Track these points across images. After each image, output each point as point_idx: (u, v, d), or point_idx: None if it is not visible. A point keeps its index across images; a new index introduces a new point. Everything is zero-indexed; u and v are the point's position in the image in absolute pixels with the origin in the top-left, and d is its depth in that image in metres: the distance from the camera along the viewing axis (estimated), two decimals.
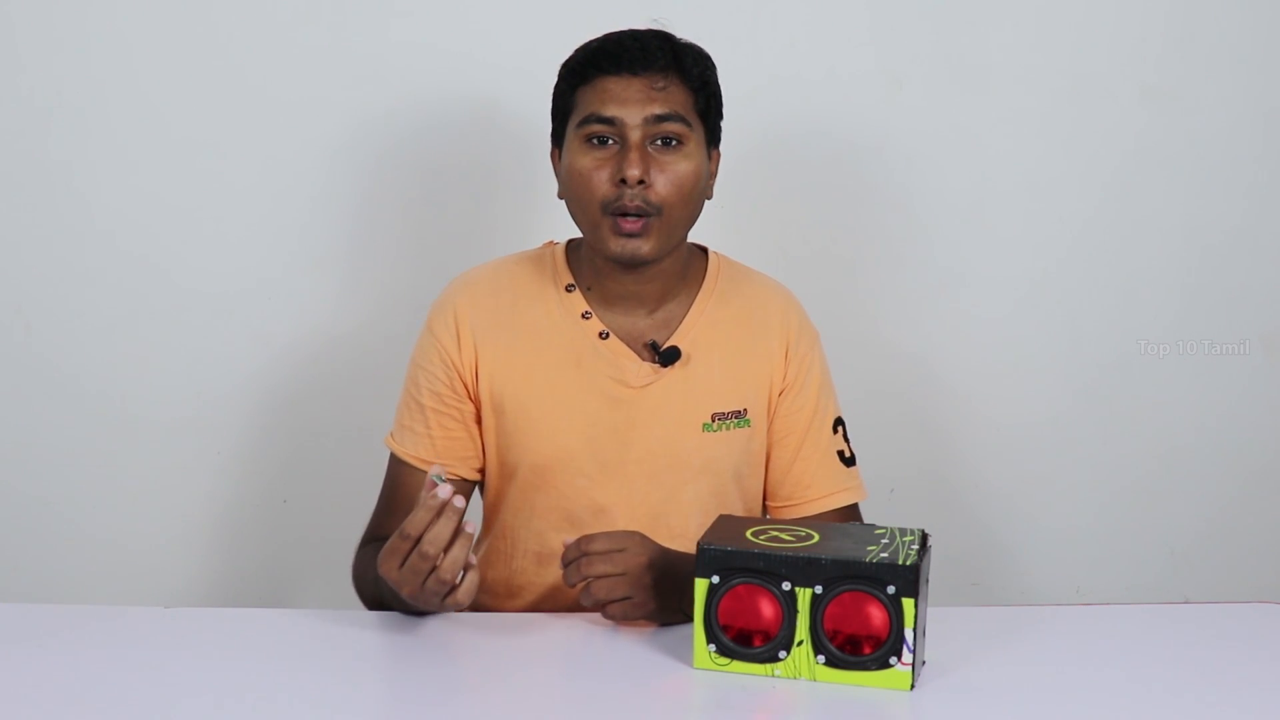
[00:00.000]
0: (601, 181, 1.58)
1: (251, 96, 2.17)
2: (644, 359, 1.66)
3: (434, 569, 1.38)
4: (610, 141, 1.59)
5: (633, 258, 1.59)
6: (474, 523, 1.42)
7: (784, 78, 2.23)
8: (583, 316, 1.67)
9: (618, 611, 1.47)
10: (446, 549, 1.38)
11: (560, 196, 1.66)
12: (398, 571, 1.40)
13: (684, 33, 1.66)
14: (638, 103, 1.58)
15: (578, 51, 1.64)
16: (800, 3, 2.22)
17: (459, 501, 1.38)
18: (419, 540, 1.38)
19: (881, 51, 2.24)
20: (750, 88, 2.18)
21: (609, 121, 1.58)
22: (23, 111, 2.16)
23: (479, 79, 2.19)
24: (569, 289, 1.68)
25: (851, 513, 1.73)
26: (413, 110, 2.20)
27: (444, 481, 1.39)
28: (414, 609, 1.48)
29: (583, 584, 1.48)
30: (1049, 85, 2.27)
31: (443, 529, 1.37)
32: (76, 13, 2.14)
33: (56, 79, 2.15)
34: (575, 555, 1.47)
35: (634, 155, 1.57)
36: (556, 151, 1.67)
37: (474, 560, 1.41)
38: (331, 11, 2.16)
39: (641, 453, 1.65)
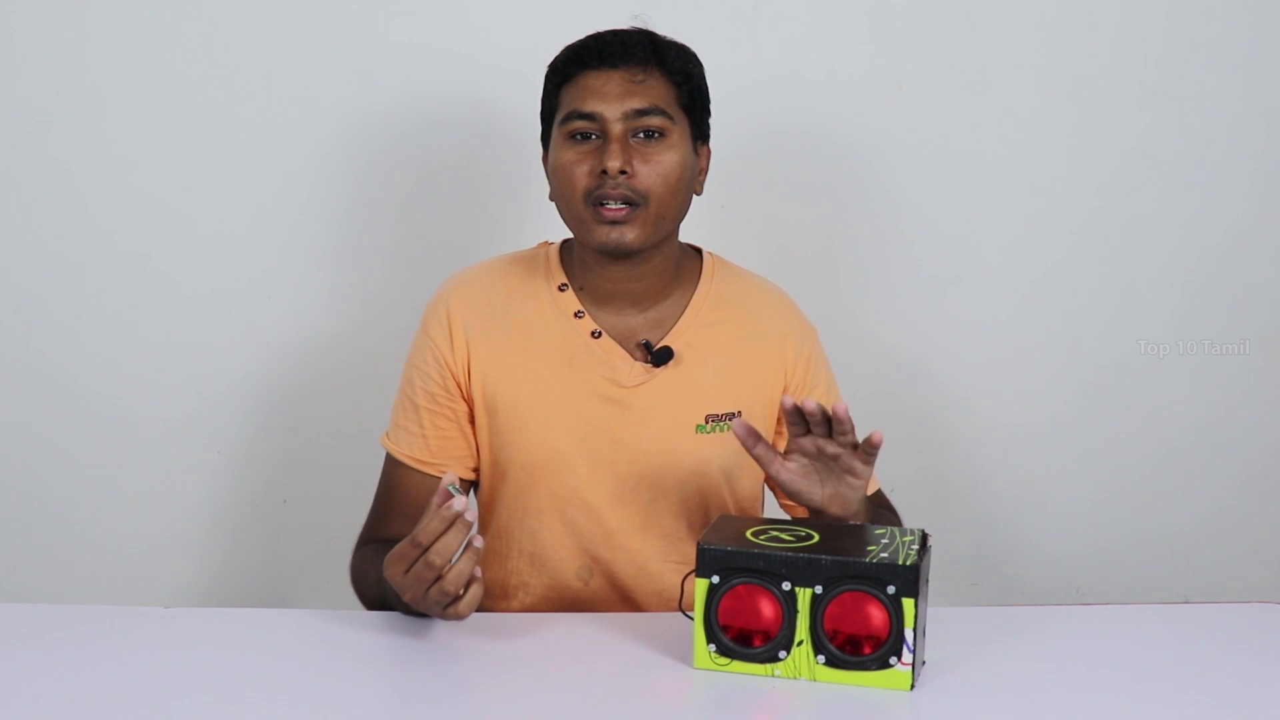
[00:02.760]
0: (583, 174, 1.59)
1: (250, 96, 2.18)
2: (636, 358, 1.66)
3: (439, 579, 1.38)
4: (593, 136, 1.60)
5: (617, 246, 1.60)
6: (482, 538, 1.42)
7: (784, 78, 2.23)
8: (575, 315, 1.67)
9: (843, 489, 1.52)
10: (453, 561, 1.38)
11: (551, 198, 1.67)
12: (402, 576, 1.40)
13: (684, 33, 1.67)
14: (617, 96, 1.59)
15: (562, 52, 1.65)
16: (800, 3, 2.22)
17: (471, 515, 1.38)
18: (427, 549, 1.38)
19: (881, 51, 2.24)
20: (750, 88, 2.18)
21: (590, 117, 1.59)
22: (22, 112, 2.16)
23: (476, 79, 2.19)
24: (562, 289, 1.69)
25: (879, 498, 1.73)
26: (410, 110, 2.20)
27: (459, 493, 1.39)
28: (414, 611, 1.48)
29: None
30: (1049, 85, 2.27)
31: (451, 540, 1.37)
32: (75, 13, 2.14)
33: (55, 79, 2.15)
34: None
35: (614, 147, 1.57)
36: (546, 154, 1.68)
37: (479, 574, 1.41)
38: (330, 11, 2.16)
39: (634, 452, 1.65)
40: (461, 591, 1.39)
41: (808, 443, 1.50)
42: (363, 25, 2.17)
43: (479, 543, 1.40)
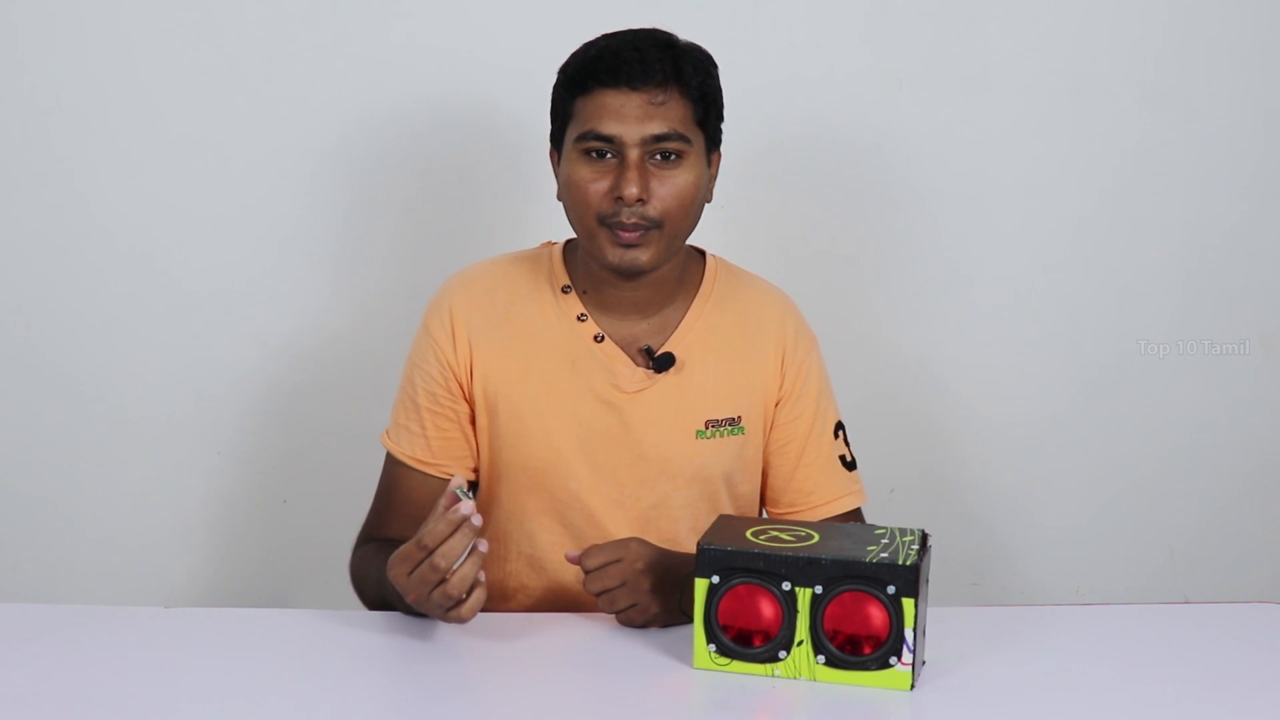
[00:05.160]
0: (599, 194, 1.57)
1: (250, 97, 2.18)
2: (638, 364, 1.66)
3: (443, 582, 1.38)
4: (608, 155, 1.57)
5: (631, 268, 1.59)
6: (486, 541, 1.42)
7: (783, 78, 2.23)
8: (578, 319, 1.67)
9: (624, 619, 1.50)
10: (458, 565, 1.38)
11: (559, 199, 1.66)
12: (406, 578, 1.40)
13: (684, 33, 1.65)
14: (636, 120, 1.56)
15: (577, 55, 1.61)
16: (800, 3, 2.22)
17: (477, 520, 1.38)
18: (432, 552, 1.38)
19: (881, 51, 2.24)
20: (750, 88, 2.17)
21: (607, 139, 1.56)
22: (23, 112, 2.16)
23: (476, 80, 2.19)
24: (565, 290, 1.68)
25: (854, 517, 1.73)
26: (410, 111, 2.20)
27: (467, 496, 1.39)
28: (416, 612, 1.48)
29: (588, 585, 1.50)
30: (1049, 85, 2.27)
31: (457, 544, 1.37)
32: (77, 13, 2.14)
33: (57, 79, 2.15)
34: (592, 567, 1.49)
35: (632, 174, 1.55)
36: (555, 153, 1.66)
37: (482, 578, 1.41)
38: (331, 12, 2.16)
39: (633, 457, 1.65)
40: (465, 595, 1.39)
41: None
42: (363, 26, 2.17)
43: (483, 547, 1.40)
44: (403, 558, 1.41)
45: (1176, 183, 2.31)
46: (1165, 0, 2.26)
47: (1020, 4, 2.24)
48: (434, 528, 1.38)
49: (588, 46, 1.61)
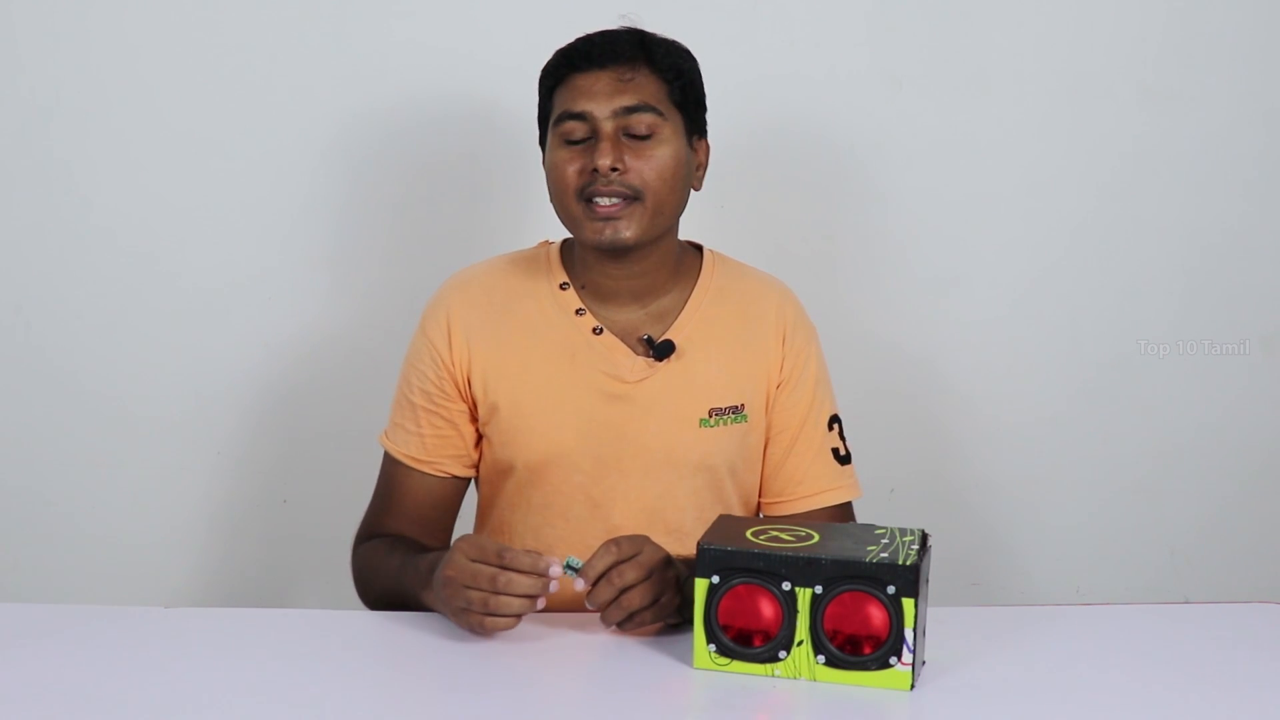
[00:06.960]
0: (574, 172, 1.60)
1: (249, 95, 2.18)
2: (638, 353, 1.66)
3: (492, 593, 1.40)
4: (585, 139, 1.60)
5: (613, 243, 1.60)
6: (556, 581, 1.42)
7: (783, 77, 2.23)
8: (576, 313, 1.67)
9: (648, 617, 1.44)
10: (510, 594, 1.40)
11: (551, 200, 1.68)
12: (466, 561, 1.41)
13: (682, 32, 1.67)
14: (606, 95, 1.59)
15: (552, 56, 1.66)
16: (799, 3, 2.22)
17: (553, 586, 1.40)
18: (504, 569, 1.40)
19: (880, 51, 2.24)
20: (749, 87, 2.18)
21: (580, 116, 1.60)
22: (22, 110, 2.16)
23: (476, 78, 2.19)
24: (563, 287, 1.69)
25: (844, 511, 1.73)
26: (410, 109, 2.20)
27: (572, 573, 1.42)
28: (423, 606, 1.50)
29: (598, 595, 1.43)
30: (1049, 85, 2.27)
31: (524, 584, 1.39)
32: (76, 12, 2.14)
33: (56, 78, 2.15)
34: (605, 567, 1.42)
35: (605, 145, 1.58)
36: (545, 158, 1.69)
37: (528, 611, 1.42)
38: (331, 11, 2.16)
39: (637, 448, 1.65)
40: (491, 616, 1.41)
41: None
42: (363, 25, 2.17)
43: (555, 585, 1.40)
44: (478, 547, 1.41)
45: (1176, 183, 2.31)
46: (1165, 0, 2.26)
47: (1020, 4, 2.25)
48: (522, 557, 1.40)
49: (561, 47, 1.66)
